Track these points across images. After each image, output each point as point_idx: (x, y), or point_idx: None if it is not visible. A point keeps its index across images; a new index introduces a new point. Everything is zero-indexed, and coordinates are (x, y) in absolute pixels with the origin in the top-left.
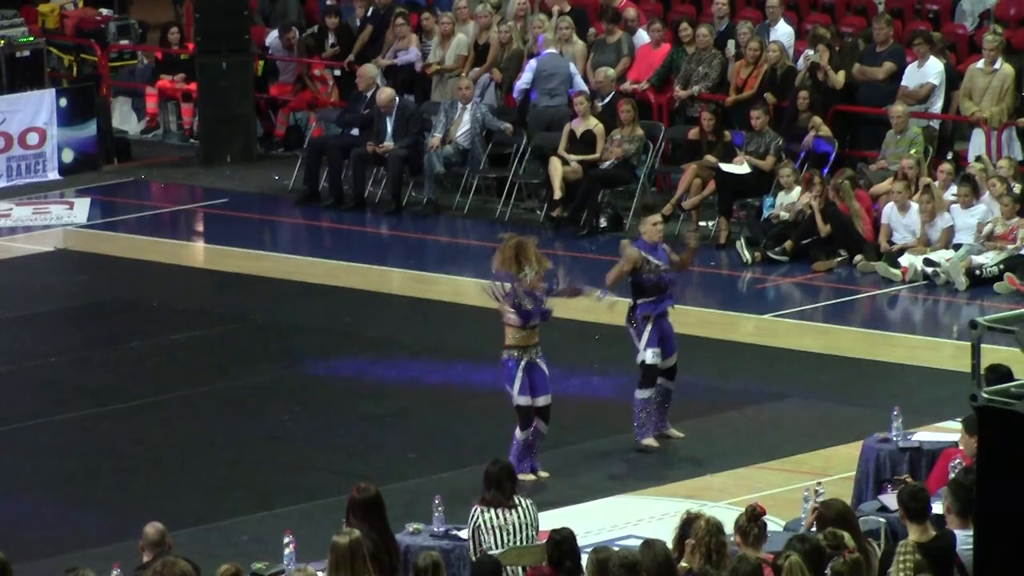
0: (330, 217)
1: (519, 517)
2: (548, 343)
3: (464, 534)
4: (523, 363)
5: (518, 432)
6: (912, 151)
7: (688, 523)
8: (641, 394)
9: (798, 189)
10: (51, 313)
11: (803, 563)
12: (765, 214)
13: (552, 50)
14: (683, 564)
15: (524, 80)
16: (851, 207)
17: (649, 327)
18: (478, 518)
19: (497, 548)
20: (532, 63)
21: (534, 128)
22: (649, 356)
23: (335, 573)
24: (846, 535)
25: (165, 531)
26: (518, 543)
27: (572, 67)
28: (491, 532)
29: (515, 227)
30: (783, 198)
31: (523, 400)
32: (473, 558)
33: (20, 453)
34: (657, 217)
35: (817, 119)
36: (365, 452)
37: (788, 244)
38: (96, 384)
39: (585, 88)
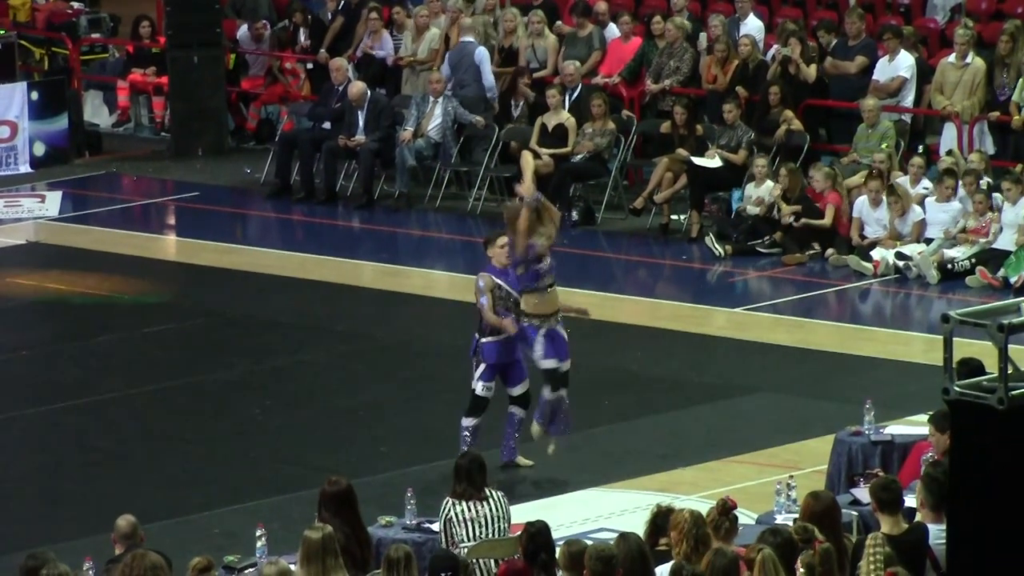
0: (302, 210)
1: (491, 510)
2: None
3: (436, 527)
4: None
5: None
6: (884, 145)
7: (661, 516)
8: (466, 421)
9: (769, 183)
10: (22, 307)
11: (775, 556)
12: (734, 207)
13: (468, 39)
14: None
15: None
16: (842, 191)
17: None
18: (449, 510)
19: (469, 541)
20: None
21: None
22: (480, 388)
23: (306, 566)
24: (812, 527)
25: (137, 524)
26: (490, 536)
27: (480, 55)
28: (463, 525)
29: (486, 220)
30: (752, 190)
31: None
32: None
33: None
34: (504, 240)
35: (789, 113)
36: (337, 446)
37: (778, 235)
38: (67, 378)
39: (493, 84)
